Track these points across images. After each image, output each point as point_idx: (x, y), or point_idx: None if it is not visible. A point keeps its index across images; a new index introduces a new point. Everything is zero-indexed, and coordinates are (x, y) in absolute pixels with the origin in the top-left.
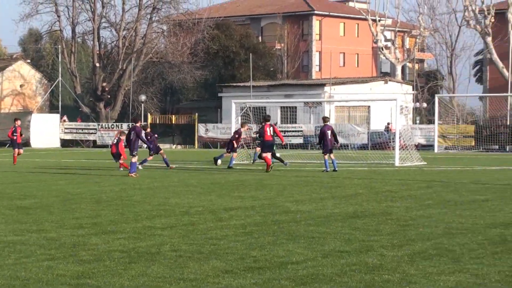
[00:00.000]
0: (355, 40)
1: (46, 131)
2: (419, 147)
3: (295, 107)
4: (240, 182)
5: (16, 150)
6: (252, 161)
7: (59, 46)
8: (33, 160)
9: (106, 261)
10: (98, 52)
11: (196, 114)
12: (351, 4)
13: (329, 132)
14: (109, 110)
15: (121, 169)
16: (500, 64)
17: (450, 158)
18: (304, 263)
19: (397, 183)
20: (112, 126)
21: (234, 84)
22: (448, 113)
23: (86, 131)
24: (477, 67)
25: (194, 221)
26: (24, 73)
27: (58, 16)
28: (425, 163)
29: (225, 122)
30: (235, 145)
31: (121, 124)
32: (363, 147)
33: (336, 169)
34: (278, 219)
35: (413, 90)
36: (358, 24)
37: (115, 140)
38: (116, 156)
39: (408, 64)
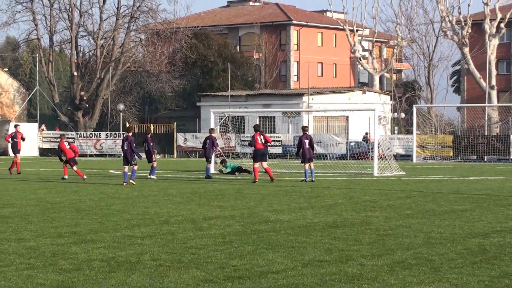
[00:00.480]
0: (333, 50)
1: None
2: (398, 157)
3: (274, 117)
4: (219, 192)
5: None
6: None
7: (37, 55)
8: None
9: (86, 270)
10: (76, 61)
11: (175, 123)
12: (328, 14)
13: (306, 141)
14: (88, 119)
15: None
16: (478, 75)
17: (429, 168)
18: (284, 273)
19: (376, 193)
20: (91, 135)
21: (213, 93)
22: (426, 123)
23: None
24: (454, 78)
25: (173, 230)
26: (1, 81)
27: (36, 25)
28: (404, 173)
29: (203, 131)
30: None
31: (100, 133)
32: (342, 157)
33: (314, 179)
34: (257, 229)
35: (391, 100)
36: (336, 34)
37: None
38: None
39: (386, 74)
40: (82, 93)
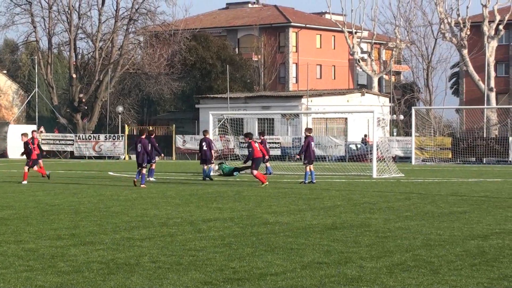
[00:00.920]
0: (331, 52)
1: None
2: (397, 159)
3: (273, 119)
4: (218, 194)
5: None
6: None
7: (35, 57)
8: (10, 171)
9: (85, 272)
10: (74, 63)
11: (174, 125)
12: (327, 16)
13: (312, 143)
14: (86, 121)
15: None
16: (476, 77)
17: (428, 170)
18: (283, 275)
19: (375, 195)
20: (90, 137)
21: (211, 95)
22: (425, 126)
23: (63, 142)
24: (453, 80)
25: (172, 233)
26: (0, 84)
27: (34, 27)
28: (403, 175)
29: (202, 133)
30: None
31: (98, 135)
32: (341, 159)
33: (314, 181)
34: (256, 231)
35: (390, 102)
36: (334, 36)
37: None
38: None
39: (384, 76)
40: (81, 95)
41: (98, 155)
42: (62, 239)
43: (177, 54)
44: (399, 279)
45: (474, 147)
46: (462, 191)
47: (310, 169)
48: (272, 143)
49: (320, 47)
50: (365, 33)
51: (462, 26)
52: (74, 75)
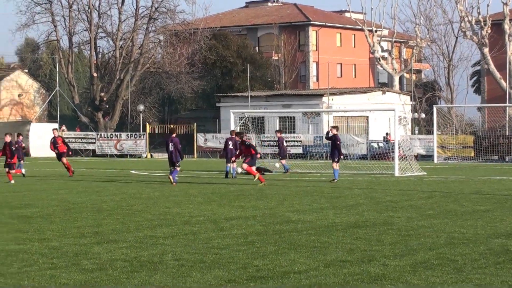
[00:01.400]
0: (352, 51)
1: (45, 140)
2: (419, 157)
3: (294, 117)
4: (240, 192)
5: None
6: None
7: (56, 56)
8: (32, 169)
9: (109, 270)
10: (95, 62)
11: (195, 124)
12: (347, 14)
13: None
14: (108, 120)
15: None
16: (498, 75)
17: (450, 169)
18: (306, 273)
19: (398, 193)
20: (111, 136)
21: (232, 94)
22: (446, 124)
23: (85, 140)
24: (474, 78)
25: (195, 231)
26: (22, 82)
27: (55, 26)
28: (425, 173)
29: (223, 132)
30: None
31: (120, 134)
32: (363, 157)
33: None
34: (279, 229)
35: (411, 100)
36: (354, 34)
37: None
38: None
39: (405, 74)
40: (102, 94)
41: (120, 153)
42: (86, 237)
43: (198, 52)
44: (423, 277)
45: (497, 145)
46: (485, 189)
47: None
48: (294, 141)
49: (341, 45)
50: (386, 32)
51: (482, 24)
52: (95, 74)
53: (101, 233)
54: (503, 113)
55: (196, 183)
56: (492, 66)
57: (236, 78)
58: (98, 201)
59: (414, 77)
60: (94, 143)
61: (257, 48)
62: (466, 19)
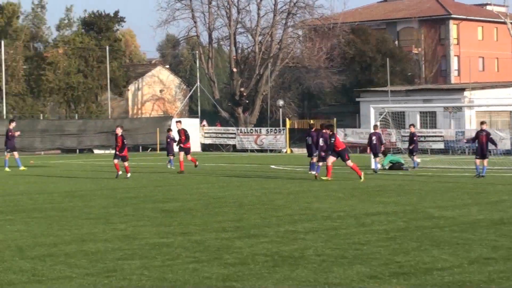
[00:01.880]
0: (494, 44)
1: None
2: None
3: (435, 112)
4: (380, 188)
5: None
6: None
7: (197, 52)
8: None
9: (251, 264)
10: (235, 57)
11: (334, 119)
12: (488, 7)
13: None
14: (248, 115)
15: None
16: None
17: None
18: (450, 270)
19: None
20: (251, 131)
21: (372, 89)
22: None
23: (225, 135)
24: None
25: (336, 226)
26: (163, 78)
27: (195, 22)
28: None
29: (363, 127)
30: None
31: (260, 129)
32: (507, 152)
33: (484, 175)
34: (421, 225)
35: None
36: (497, 28)
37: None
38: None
39: None
40: (242, 89)
41: (260, 148)
42: (227, 231)
43: (336, 47)
44: None
45: None
46: None
47: (483, 163)
48: (435, 136)
49: (482, 39)
50: None
51: None
52: (234, 69)
53: (242, 228)
54: None
55: (336, 178)
56: None
57: (376, 73)
58: (239, 195)
59: None
60: (234, 138)
61: (396, 42)
62: None
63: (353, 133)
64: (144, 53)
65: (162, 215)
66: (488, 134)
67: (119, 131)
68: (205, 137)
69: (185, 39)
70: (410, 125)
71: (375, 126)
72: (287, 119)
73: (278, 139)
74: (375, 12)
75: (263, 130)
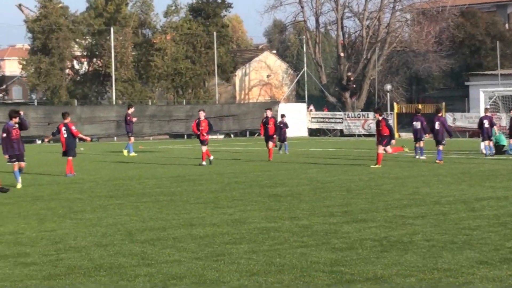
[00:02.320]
0: None
1: (294, 120)
2: None
3: None
4: (491, 172)
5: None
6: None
7: (303, 37)
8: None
9: (359, 249)
10: (342, 42)
11: (443, 103)
12: None
13: None
14: (355, 99)
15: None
16: None
17: None
18: None
19: None
20: (359, 116)
21: (482, 72)
22: None
23: (332, 120)
24: None
25: (445, 211)
26: (270, 63)
27: (302, 7)
28: None
29: (473, 111)
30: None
31: (367, 113)
32: None
33: None
34: None
35: None
36: None
37: None
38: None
39: None
40: (349, 73)
41: (367, 133)
42: (335, 216)
43: (445, 31)
44: None
45: None
46: None
47: None
48: None
49: None
50: None
51: None
52: (342, 54)
53: (350, 213)
54: None
55: (446, 162)
56: None
57: (485, 56)
58: (347, 180)
59: None
60: (342, 123)
61: (506, 25)
62: None
63: (462, 117)
64: (251, 39)
65: (269, 199)
66: None
67: (202, 115)
68: (312, 122)
69: (292, 24)
70: (485, 109)
71: (486, 110)
72: (395, 104)
73: None
74: None
75: (371, 114)
